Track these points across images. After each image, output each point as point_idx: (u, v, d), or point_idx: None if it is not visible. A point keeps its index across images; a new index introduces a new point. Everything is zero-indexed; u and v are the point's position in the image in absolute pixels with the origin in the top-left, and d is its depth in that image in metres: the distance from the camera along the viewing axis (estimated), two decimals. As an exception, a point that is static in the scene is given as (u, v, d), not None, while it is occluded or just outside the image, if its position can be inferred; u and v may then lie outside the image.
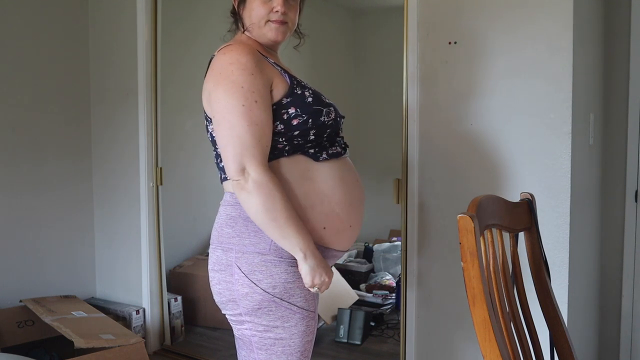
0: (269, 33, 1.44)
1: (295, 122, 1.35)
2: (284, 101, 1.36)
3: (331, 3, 4.94)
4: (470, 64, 1.99)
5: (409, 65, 2.10)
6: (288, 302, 1.37)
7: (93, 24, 3.11)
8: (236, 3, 1.49)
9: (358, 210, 1.47)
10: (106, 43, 3.06)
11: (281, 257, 1.37)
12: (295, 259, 1.37)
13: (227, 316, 1.47)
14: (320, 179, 1.40)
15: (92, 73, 3.14)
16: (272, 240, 1.36)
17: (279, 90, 1.37)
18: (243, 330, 1.42)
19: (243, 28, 1.48)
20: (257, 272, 1.36)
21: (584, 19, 1.97)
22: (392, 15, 4.71)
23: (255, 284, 1.36)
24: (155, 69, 2.89)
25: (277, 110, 1.36)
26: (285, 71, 1.42)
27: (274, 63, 1.42)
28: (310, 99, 1.39)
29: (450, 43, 2.02)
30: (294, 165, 1.38)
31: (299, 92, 1.39)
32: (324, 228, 1.41)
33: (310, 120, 1.36)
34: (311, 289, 1.38)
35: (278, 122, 1.35)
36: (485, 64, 1.96)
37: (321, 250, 1.42)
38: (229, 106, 1.31)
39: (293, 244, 1.33)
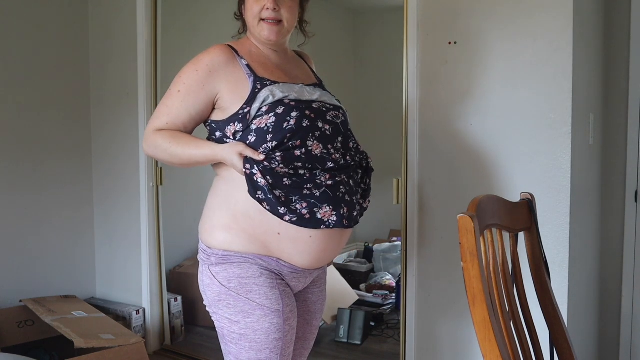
0: (262, 32, 1.45)
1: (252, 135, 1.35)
2: (240, 111, 1.37)
3: (331, 3, 4.94)
4: (470, 64, 1.99)
5: (409, 65, 2.10)
6: (245, 298, 1.37)
7: (93, 24, 3.11)
8: (239, 5, 1.52)
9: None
10: (106, 43, 3.06)
11: (236, 253, 1.38)
12: (254, 259, 1.38)
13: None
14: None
15: (92, 73, 3.13)
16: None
17: (239, 94, 1.38)
18: (215, 322, 1.46)
19: (244, 29, 1.50)
20: (216, 265, 1.40)
21: (584, 19, 1.97)
22: (392, 15, 4.71)
23: (214, 275, 1.40)
24: (155, 69, 2.89)
25: (231, 119, 1.38)
26: (256, 75, 1.39)
27: (247, 65, 1.41)
28: (266, 116, 1.34)
29: (450, 43, 2.02)
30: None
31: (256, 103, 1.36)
32: (278, 234, 1.36)
33: (270, 131, 1.33)
34: (241, 171, 1.33)
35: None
36: (485, 64, 1.96)
37: (277, 263, 1.40)
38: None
39: (202, 156, 1.38)
